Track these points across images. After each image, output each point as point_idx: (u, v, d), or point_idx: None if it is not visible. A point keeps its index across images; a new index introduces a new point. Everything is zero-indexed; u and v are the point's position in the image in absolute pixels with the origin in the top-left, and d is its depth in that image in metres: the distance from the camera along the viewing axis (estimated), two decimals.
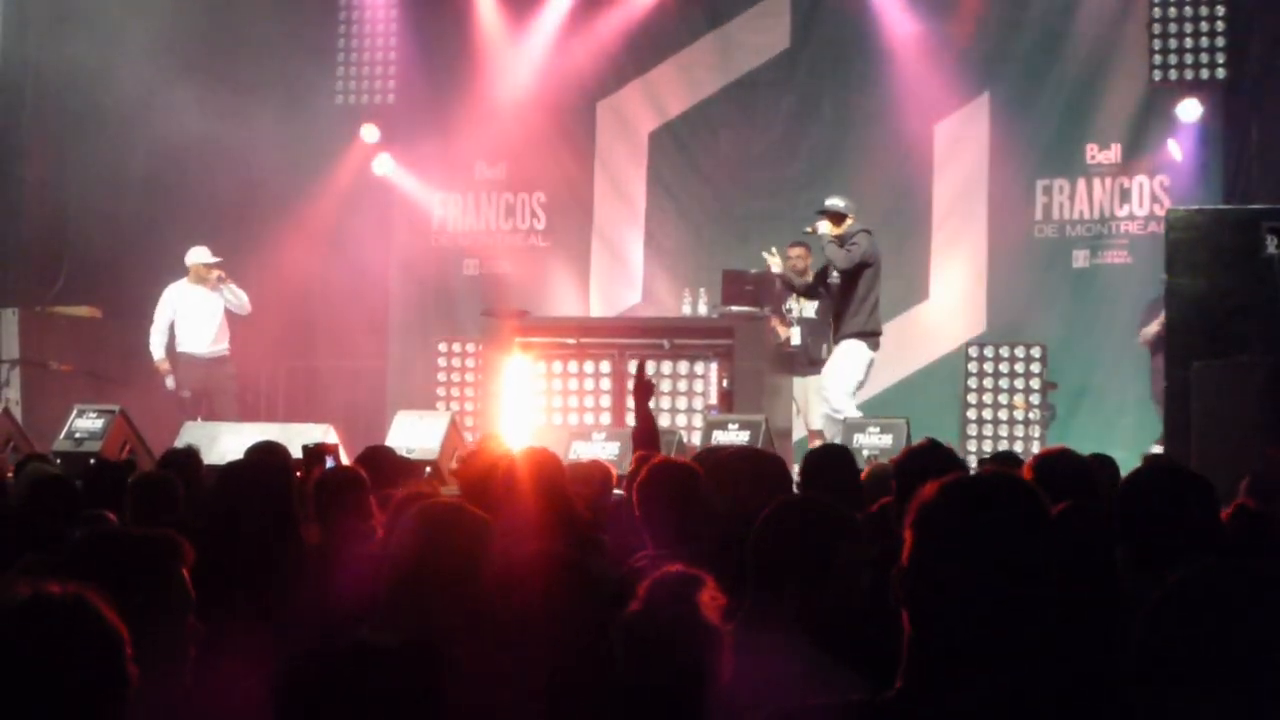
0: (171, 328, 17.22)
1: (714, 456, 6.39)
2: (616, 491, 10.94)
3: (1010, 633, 2.71)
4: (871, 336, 15.11)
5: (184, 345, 17.14)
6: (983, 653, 2.70)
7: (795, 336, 16.31)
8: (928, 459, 6.10)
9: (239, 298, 17.05)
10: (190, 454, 8.85)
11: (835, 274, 15.15)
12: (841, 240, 15.08)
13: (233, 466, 6.96)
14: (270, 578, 5.59)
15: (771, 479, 5.70)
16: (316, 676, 4.29)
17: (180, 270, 17.35)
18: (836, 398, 15.01)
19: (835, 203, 15.36)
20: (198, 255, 17.11)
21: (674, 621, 4.22)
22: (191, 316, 16.91)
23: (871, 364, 15.26)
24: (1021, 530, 2.76)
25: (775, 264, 15.63)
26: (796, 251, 17.06)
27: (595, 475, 9.85)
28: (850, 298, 15.08)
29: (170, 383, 16.91)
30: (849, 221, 15.24)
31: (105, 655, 3.11)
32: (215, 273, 16.92)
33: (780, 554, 4.72)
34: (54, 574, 3.43)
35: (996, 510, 2.77)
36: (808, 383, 16.18)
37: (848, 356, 15.08)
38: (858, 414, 14.92)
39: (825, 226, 15.19)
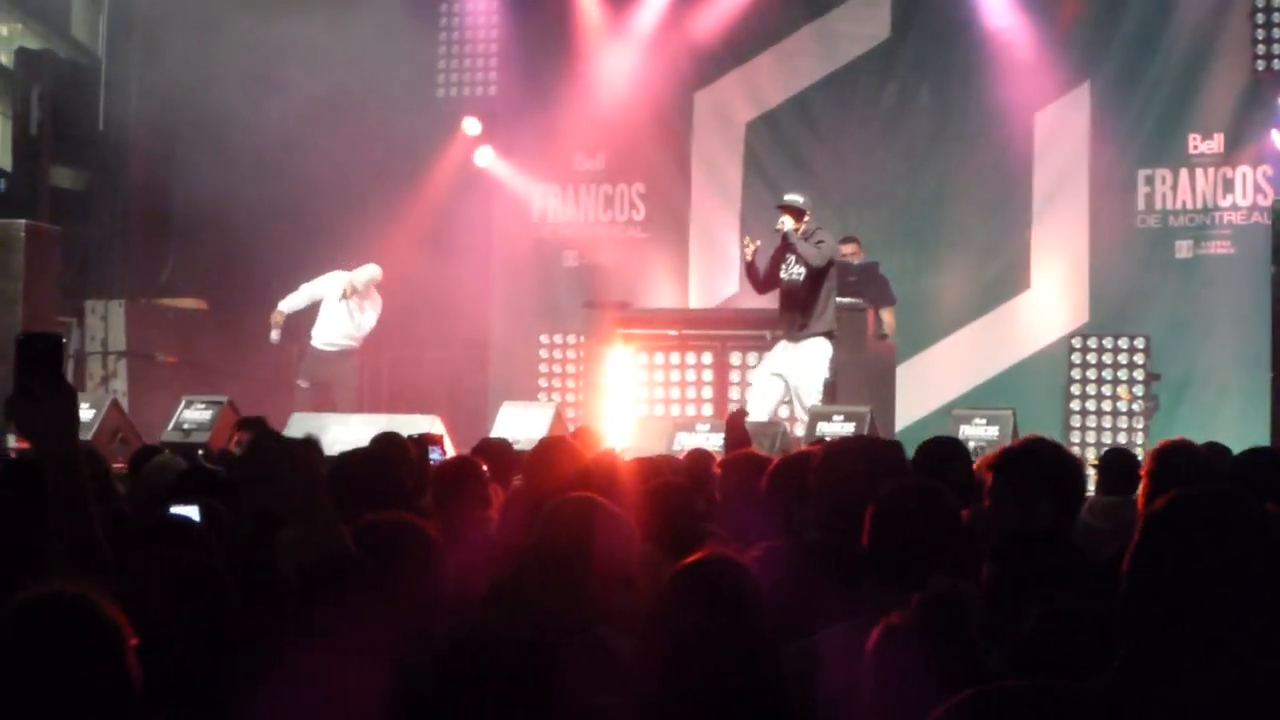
0: (317, 310, 17.53)
1: (828, 443, 6.40)
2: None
3: (1228, 636, 2.77)
4: (834, 335, 14.91)
5: (316, 338, 17.35)
6: (1202, 652, 2.76)
7: None
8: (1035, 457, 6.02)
9: (357, 318, 17.23)
10: (310, 443, 8.89)
11: (797, 270, 14.79)
12: (805, 237, 14.74)
13: (351, 456, 6.99)
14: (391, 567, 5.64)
15: (886, 466, 5.71)
16: (439, 666, 4.36)
17: (291, 265, 17.53)
18: (811, 397, 14.79)
19: (795, 199, 14.98)
20: (362, 272, 17.36)
21: None
22: (332, 308, 17.11)
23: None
24: (1249, 550, 2.81)
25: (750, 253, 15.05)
26: (850, 248, 17.05)
27: (696, 463, 9.86)
28: (817, 295, 14.79)
29: (275, 335, 17.03)
30: (807, 218, 14.88)
31: (108, 655, 3.11)
32: (345, 290, 17.14)
33: (912, 543, 4.77)
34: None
35: (1228, 532, 2.82)
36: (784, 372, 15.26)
37: (821, 355, 14.82)
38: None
39: (789, 222, 14.77)
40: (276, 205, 18.90)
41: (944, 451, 7.75)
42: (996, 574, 4.90)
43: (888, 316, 17.14)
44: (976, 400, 16.74)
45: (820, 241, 14.68)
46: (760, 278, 15.10)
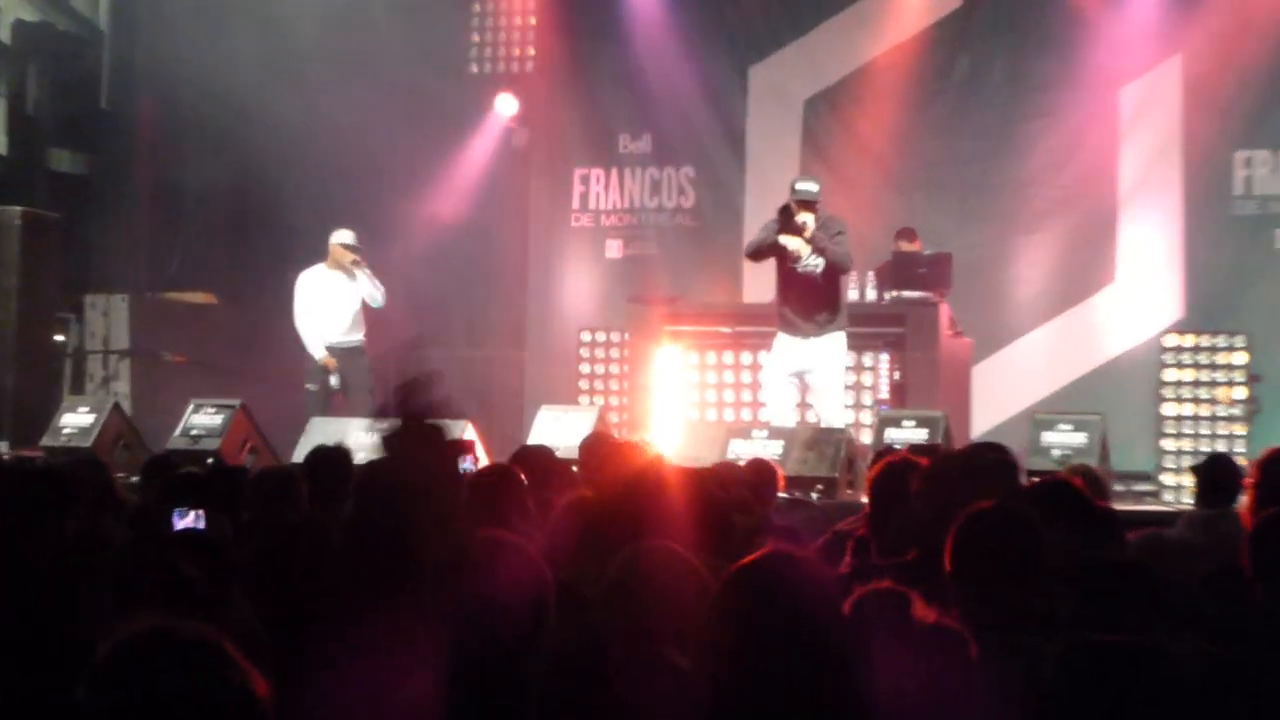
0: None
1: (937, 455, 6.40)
2: (782, 495, 10.96)
3: None
4: (846, 330, 14.82)
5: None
6: None
7: None
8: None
9: (374, 285, 16.98)
10: (341, 452, 8.92)
11: (814, 262, 14.44)
12: (819, 227, 14.46)
13: (380, 463, 6.96)
14: (426, 580, 5.67)
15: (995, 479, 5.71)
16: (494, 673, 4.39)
17: (307, 254, 17.44)
18: (836, 411, 14.74)
19: (810, 187, 14.70)
20: (339, 236, 17.05)
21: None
22: (326, 304, 16.89)
23: None
24: None
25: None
26: (912, 245, 16.96)
27: (758, 476, 9.81)
28: (840, 288, 14.74)
29: (335, 381, 16.78)
30: (819, 206, 14.63)
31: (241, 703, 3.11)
32: (351, 257, 16.87)
33: (990, 557, 4.95)
34: None
35: None
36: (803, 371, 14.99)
37: (842, 351, 14.76)
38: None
39: (810, 219, 14.45)
40: (294, 190, 18.91)
41: None
42: (1075, 604, 4.96)
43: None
44: (1061, 403, 16.64)
45: (839, 233, 14.53)
46: (761, 253, 14.96)
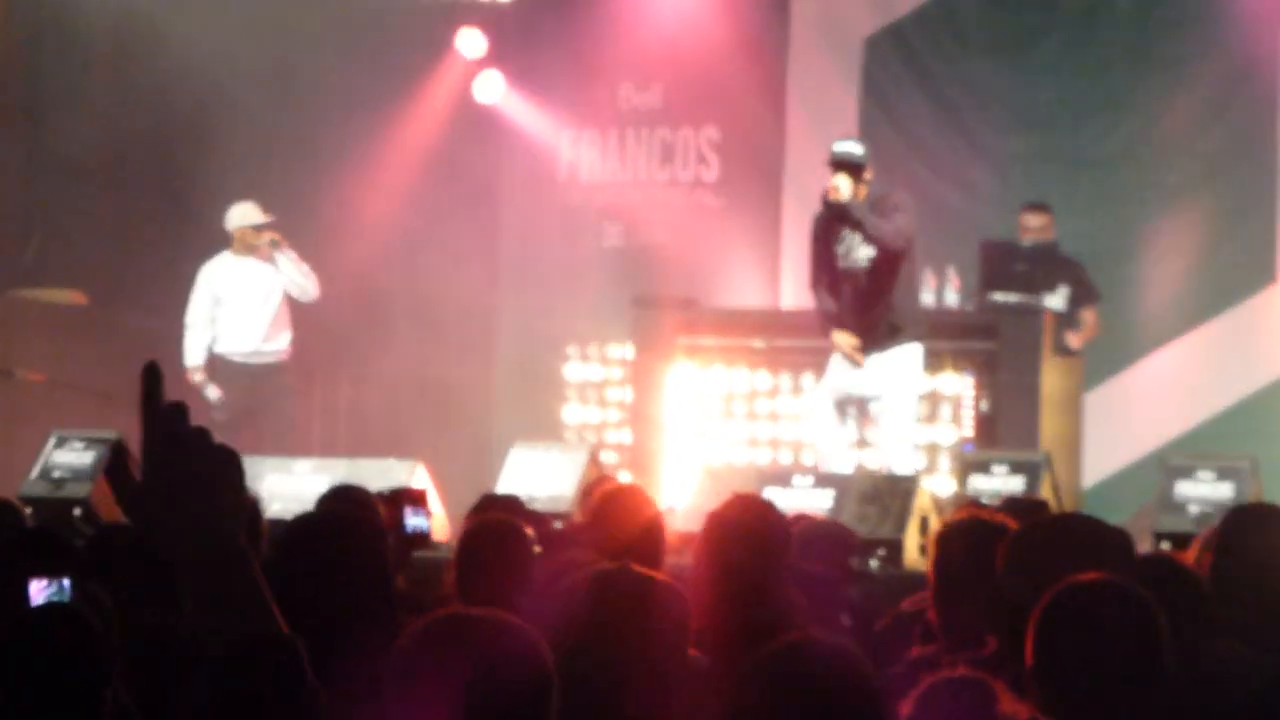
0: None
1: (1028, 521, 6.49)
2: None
3: None
4: (923, 339, 14.95)
5: (224, 344, 17.23)
6: None
7: None
8: None
9: (301, 272, 17.06)
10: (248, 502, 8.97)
11: (864, 253, 14.66)
12: (872, 205, 14.63)
13: (302, 524, 7.04)
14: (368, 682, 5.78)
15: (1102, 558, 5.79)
16: None
17: (209, 241, 17.53)
18: (906, 451, 14.87)
19: (852, 150, 14.90)
20: (242, 215, 17.10)
21: None
22: (238, 302, 16.99)
23: None
24: None
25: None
26: (1040, 220, 17.00)
27: (821, 544, 9.88)
28: (895, 286, 14.80)
29: (212, 394, 16.91)
30: (869, 175, 14.77)
31: None
32: (267, 236, 16.94)
33: (1094, 650, 4.97)
34: None
35: None
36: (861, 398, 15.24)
37: (914, 368, 14.89)
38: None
39: (846, 185, 14.65)
40: (191, 160, 18.94)
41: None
42: None
43: (1089, 318, 17.04)
44: (1200, 443, 16.70)
45: (896, 209, 14.65)
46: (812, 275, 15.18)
